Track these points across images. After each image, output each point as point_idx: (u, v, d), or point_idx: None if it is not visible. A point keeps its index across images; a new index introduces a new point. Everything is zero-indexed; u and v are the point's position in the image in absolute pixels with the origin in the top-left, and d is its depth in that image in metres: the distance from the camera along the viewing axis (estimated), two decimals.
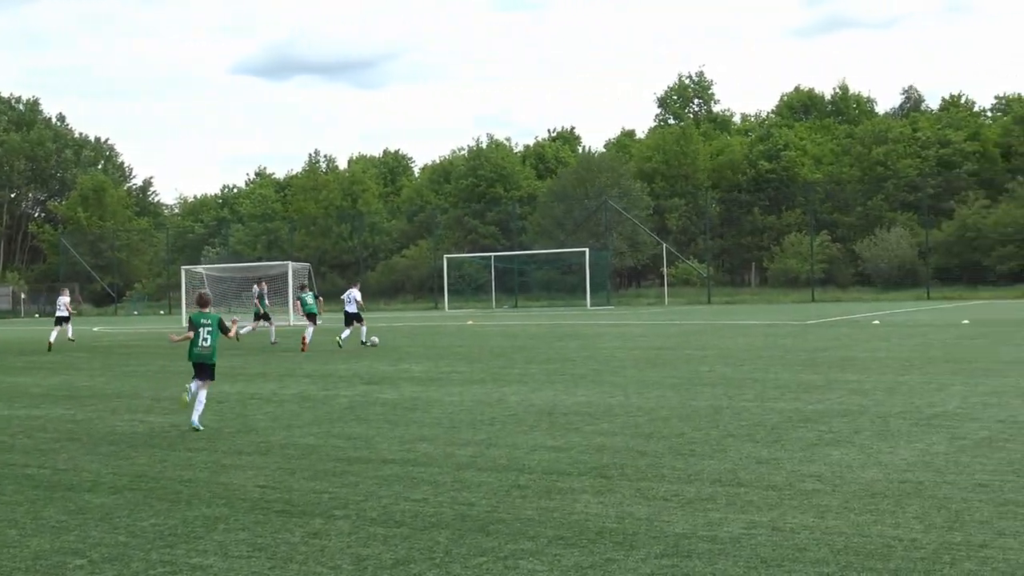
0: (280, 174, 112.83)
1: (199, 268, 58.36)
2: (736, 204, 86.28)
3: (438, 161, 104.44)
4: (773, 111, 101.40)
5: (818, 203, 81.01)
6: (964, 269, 72.54)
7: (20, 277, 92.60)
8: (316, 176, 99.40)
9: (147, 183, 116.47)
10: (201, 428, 12.62)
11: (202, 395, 12.90)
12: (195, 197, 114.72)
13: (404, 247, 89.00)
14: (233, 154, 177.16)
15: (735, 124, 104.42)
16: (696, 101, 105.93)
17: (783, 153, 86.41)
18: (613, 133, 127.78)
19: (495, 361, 22.18)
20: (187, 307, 51.55)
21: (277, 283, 47.42)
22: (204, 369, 12.94)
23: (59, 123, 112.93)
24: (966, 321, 34.04)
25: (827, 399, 13.98)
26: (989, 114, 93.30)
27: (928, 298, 63.25)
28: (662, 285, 73.88)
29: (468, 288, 77.54)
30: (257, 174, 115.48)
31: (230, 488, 9.00)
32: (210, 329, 12.92)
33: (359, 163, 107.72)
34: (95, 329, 46.01)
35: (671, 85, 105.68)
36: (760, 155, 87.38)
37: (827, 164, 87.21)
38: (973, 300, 59.41)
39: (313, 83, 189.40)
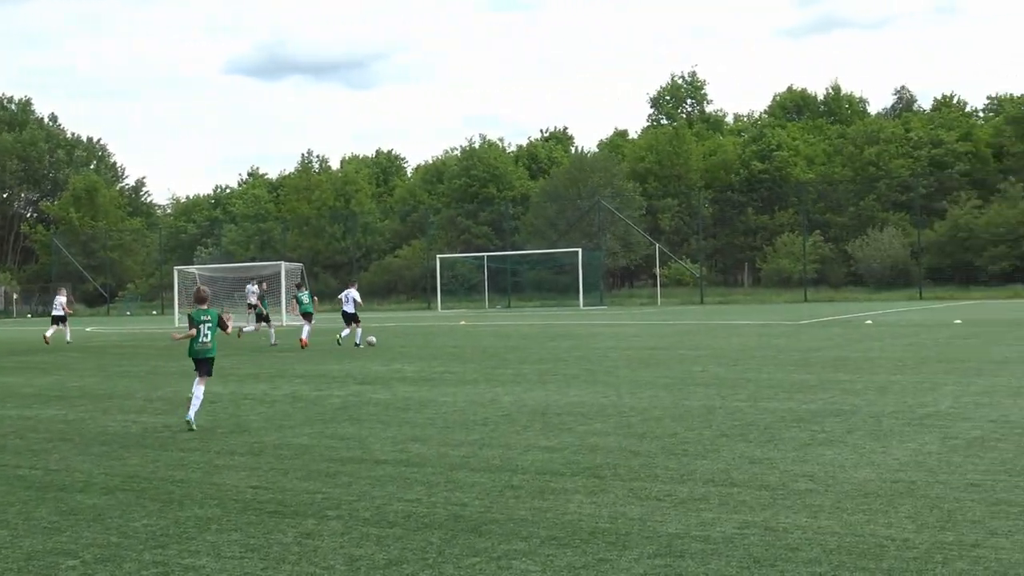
0: (273, 174, 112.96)
1: (192, 268, 58.27)
2: (729, 204, 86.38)
3: (431, 161, 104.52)
4: (766, 111, 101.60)
5: (811, 203, 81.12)
6: (956, 269, 72.69)
7: (12, 277, 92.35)
8: (309, 176, 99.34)
9: (139, 183, 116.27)
10: (195, 427, 12.61)
11: (199, 391, 12.98)
12: (188, 197, 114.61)
13: (397, 247, 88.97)
14: (226, 154, 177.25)
15: (728, 124, 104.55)
16: (689, 101, 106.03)
17: (776, 153, 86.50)
18: (606, 133, 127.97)
19: (488, 361, 22.17)
20: (180, 307, 51.58)
21: (269, 283, 47.37)
22: (204, 363, 13.17)
23: (51, 123, 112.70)
24: (958, 321, 34.10)
25: (820, 399, 14.00)
26: (981, 114, 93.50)
27: (920, 298, 63.37)
28: (655, 285, 73.89)
29: (461, 288, 77.51)
30: (250, 174, 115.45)
31: (223, 489, 8.98)
32: (210, 325, 13.14)
33: (352, 163, 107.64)
34: (88, 329, 45.92)
35: (664, 85, 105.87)
36: (753, 155, 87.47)
37: (819, 164, 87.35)
38: (965, 300, 59.52)
39: (305, 83, 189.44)
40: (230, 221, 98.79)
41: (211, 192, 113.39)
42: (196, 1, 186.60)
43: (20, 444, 11.97)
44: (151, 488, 9.10)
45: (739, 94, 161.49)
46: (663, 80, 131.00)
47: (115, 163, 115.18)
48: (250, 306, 44.97)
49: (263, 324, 31.42)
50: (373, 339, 28.25)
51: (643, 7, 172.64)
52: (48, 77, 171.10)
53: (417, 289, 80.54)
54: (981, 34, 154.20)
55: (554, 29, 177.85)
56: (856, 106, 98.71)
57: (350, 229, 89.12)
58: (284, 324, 40.83)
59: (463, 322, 45.11)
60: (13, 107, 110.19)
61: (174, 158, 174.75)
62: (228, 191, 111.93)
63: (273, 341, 30.07)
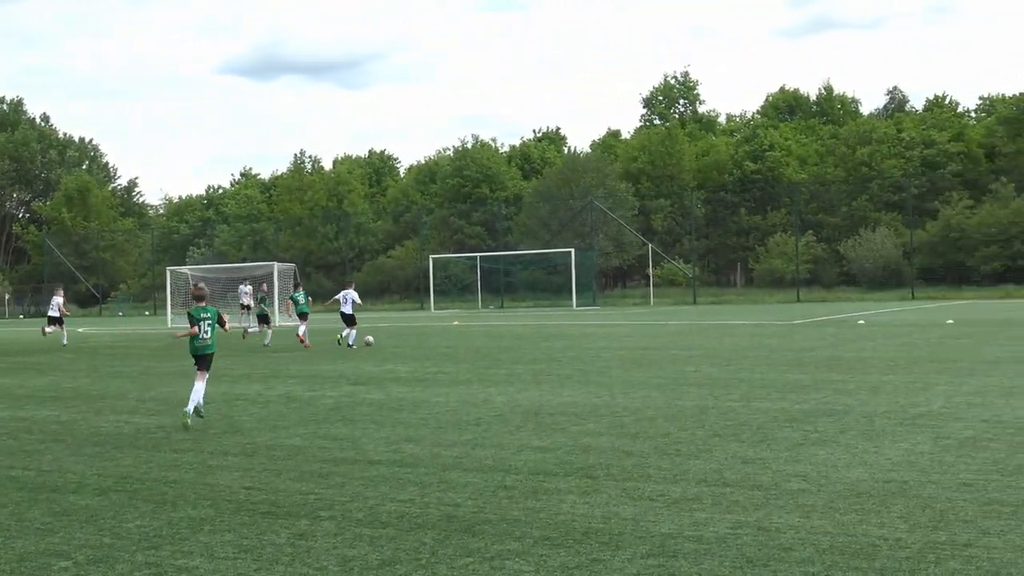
0: (265, 174, 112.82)
1: (184, 269, 58.18)
2: (721, 204, 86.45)
3: (423, 161, 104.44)
4: (758, 111, 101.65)
5: (803, 203, 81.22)
6: (948, 269, 72.83)
7: (4, 278, 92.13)
8: (301, 176, 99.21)
9: (132, 183, 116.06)
10: (190, 423, 12.76)
11: (200, 386, 13.19)
12: (180, 197, 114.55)
13: (390, 248, 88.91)
14: (218, 154, 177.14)
15: (720, 125, 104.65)
16: (681, 101, 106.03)
17: (768, 154, 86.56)
18: (599, 133, 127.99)
19: (481, 362, 22.17)
20: (172, 308, 51.49)
21: (269, 285, 47.34)
22: (203, 359, 13.42)
23: (43, 123, 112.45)
24: (950, 321, 34.17)
25: (813, 399, 14.02)
26: (973, 115, 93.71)
27: (913, 298, 63.48)
28: (648, 285, 73.92)
29: (454, 288, 77.50)
30: (242, 174, 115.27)
31: (216, 489, 8.98)
32: (210, 322, 13.43)
33: (344, 163, 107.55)
34: (80, 330, 45.83)
35: (656, 85, 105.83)
36: (745, 155, 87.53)
37: (812, 164, 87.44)
38: (957, 300, 59.63)
39: (298, 83, 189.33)
40: (223, 221, 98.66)
41: (203, 192, 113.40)
42: (190, 1, 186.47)
43: (13, 445, 11.95)
44: (144, 489, 9.09)
45: (732, 94, 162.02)
46: (656, 80, 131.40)
47: (107, 163, 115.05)
48: (242, 306, 44.99)
49: (264, 325, 31.50)
50: (371, 339, 28.23)
51: (636, 8, 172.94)
52: (40, 77, 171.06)
53: (410, 289, 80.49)
54: (973, 35, 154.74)
55: (547, 29, 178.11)
56: (848, 106, 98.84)
57: (343, 229, 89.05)
58: (277, 324, 40.77)
59: (456, 322, 45.10)
60: (5, 107, 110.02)
61: (166, 158, 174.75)
62: (220, 191, 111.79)
63: (266, 342, 30.07)
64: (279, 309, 41.24)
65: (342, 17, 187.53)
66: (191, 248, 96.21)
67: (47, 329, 32.98)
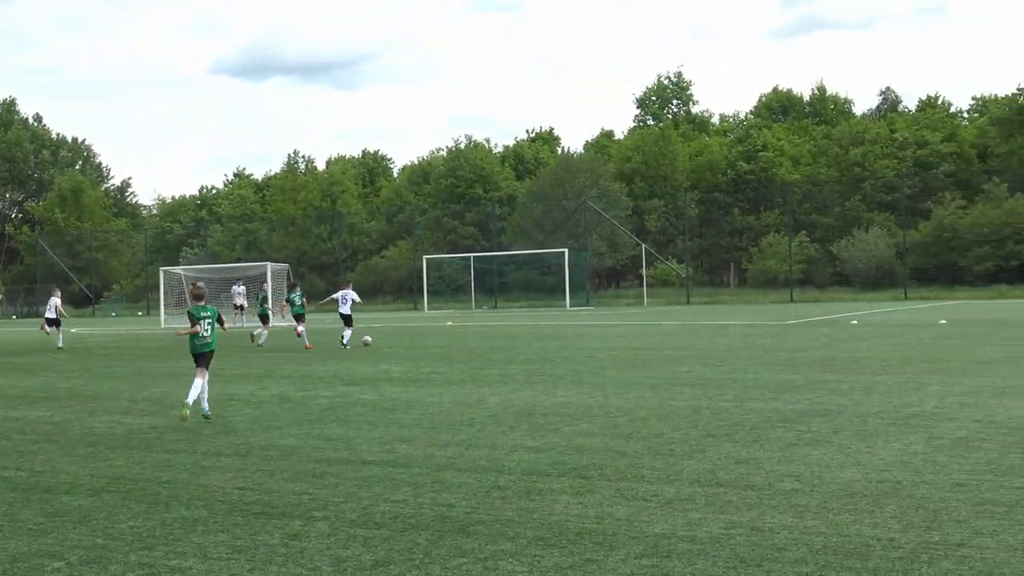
0: (259, 175, 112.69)
1: (177, 269, 58.10)
2: (715, 205, 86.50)
3: (417, 162, 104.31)
4: (751, 112, 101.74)
5: (796, 204, 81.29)
6: (941, 269, 72.91)
7: None
8: (295, 177, 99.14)
9: (125, 184, 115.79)
10: (188, 414, 13.19)
11: (199, 382, 13.45)
12: (173, 198, 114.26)
13: (383, 248, 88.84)
14: (211, 155, 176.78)
15: (714, 125, 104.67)
16: (675, 102, 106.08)
17: (761, 154, 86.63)
18: (592, 134, 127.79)
19: (475, 362, 22.17)
20: (166, 308, 51.40)
21: (256, 284, 47.31)
22: (203, 357, 13.69)
23: (36, 123, 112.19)
24: (943, 321, 34.22)
25: (806, 399, 14.03)
26: (966, 115, 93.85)
27: (906, 298, 63.56)
28: (641, 286, 73.94)
29: (448, 289, 77.44)
30: (235, 175, 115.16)
31: (209, 490, 8.97)
32: (210, 321, 13.72)
33: (338, 164, 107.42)
34: (73, 330, 45.75)
35: (650, 86, 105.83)
36: (738, 156, 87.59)
37: (805, 165, 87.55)
38: (950, 300, 59.72)
39: (291, 84, 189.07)
40: (216, 222, 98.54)
41: (197, 193, 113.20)
42: (182, 2, 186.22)
43: (6, 445, 11.93)
44: (137, 489, 9.08)
45: (725, 95, 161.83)
46: (649, 81, 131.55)
47: (100, 164, 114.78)
48: (236, 307, 44.95)
49: (265, 325, 31.58)
50: (368, 339, 28.25)
51: (629, 8, 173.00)
52: (32, 77, 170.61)
53: (404, 290, 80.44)
54: (966, 35, 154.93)
55: (540, 30, 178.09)
56: (841, 107, 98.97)
57: (336, 230, 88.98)
58: (272, 325, 40.71)
59: (450, 323, 45.09)
60: None
61: (160, 159, 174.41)
62: (214, 192, 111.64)
63: (261, 342, 30.07)
64: (273, 310, 41.21)
65: (334, 17, 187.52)
66: (184, 248, 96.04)
67: (47, 328, 32.88)
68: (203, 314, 13.65)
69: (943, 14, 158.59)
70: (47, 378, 21.15)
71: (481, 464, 9.80)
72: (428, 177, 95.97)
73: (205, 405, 13.59)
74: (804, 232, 78.41)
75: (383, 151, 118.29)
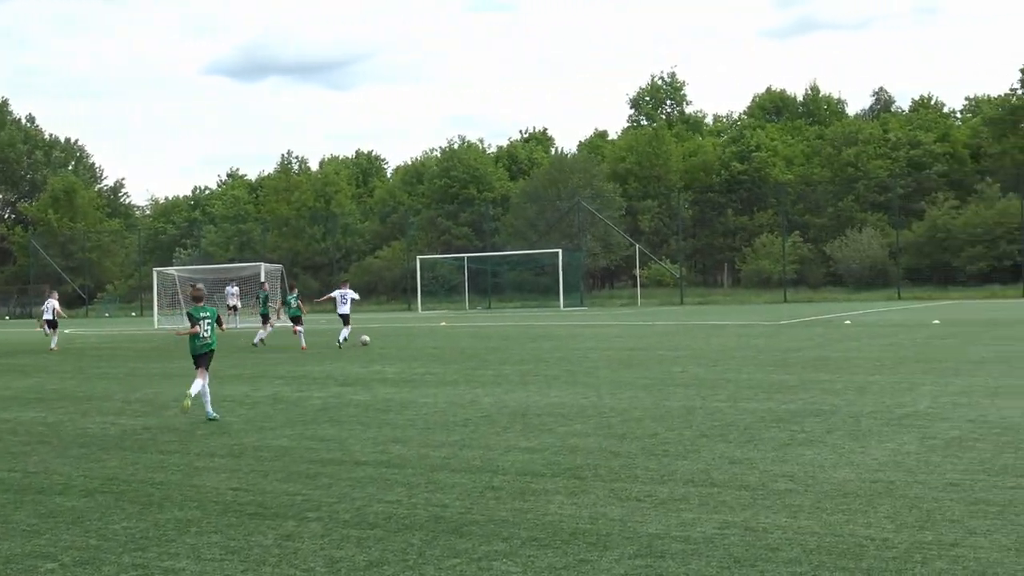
0: (252, 175, 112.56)
1: (171, 270, 57.98)
2: (708, 205, 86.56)
3: (411, 162, 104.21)
4: (745, 112, 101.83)
5: (790, 204, 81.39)
6: (934, 269, 73.05)
7: None
8: (288, 177, 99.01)
9: (118, 184, 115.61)
10: (189, 404, 13.35)
11: (199, 382, 13.57)
12: (166, 198, 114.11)
13: (377, 248, 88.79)
14: (205, 155, 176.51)
15: (707, 125, 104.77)
16: (668, 102, 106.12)
17: (755, 154, 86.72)
18: (586, 134, 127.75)
19: (468, 362, 22.17)
20: (159, 309, 51.30)
21: (250, 285, 47.24)
22: (203, 358, 13.85)
23: (29, 124, 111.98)
24: (936, 321, 34.27)
25: (799, 399, 14.05)
26: (959, 115, 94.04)
27: (899, 298, 63.64)
28: (635, 286, 73.95)
29: (441, 289, 77.43)
30: (229, 175, 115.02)
31: (202, 491, 8.96)
32: (210, 322, 13.89)
33: (331, 164, 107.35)
34: (66, 331, 45.65)
35: (644, 86, 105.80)
36: (732, 156, 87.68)
37: (798, 165, 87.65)
38: (943, 300, 59.80)
39: (285, 84, 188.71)
40: (209, 222, 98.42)
41: (190, 193, 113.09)
42: (176, 2, 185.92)
43: None
44: (130, 490, 9.07)
45: (718, 95, 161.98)
46: (643, 81, 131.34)
47: (93, 164, 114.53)
48: (229, 307, 44.91)
49: (265, 325, 31.55)
50: (366, 339, 28.25)
51: (623, 8, 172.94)
52: (25, 77, 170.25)
53: (397, 290, 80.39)
54: (959, 36, 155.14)
55: (534, 30, 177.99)
56: (834, 107, 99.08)
57: (330, 230, 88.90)
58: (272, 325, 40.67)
59: (443, 323, 45.07)
60: None
61: (153, 159, 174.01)
62: (207, 192, 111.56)
63: (255, 341, 30.07)
64: (273, 309, 41.15)
65: (328, 18, 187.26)
66: (178, 249, 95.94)
67: (47, 330, 32.77)
68: (203, 315, 13.78)
69: (937, 15, 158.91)
70: (40, 379, 21.11)
71: (475, 464, 9.80)
72: (422, 177, 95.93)
73: (209, 408, 13.66)
74: (797, 232, 78.48)
75: (377, 151, 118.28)
